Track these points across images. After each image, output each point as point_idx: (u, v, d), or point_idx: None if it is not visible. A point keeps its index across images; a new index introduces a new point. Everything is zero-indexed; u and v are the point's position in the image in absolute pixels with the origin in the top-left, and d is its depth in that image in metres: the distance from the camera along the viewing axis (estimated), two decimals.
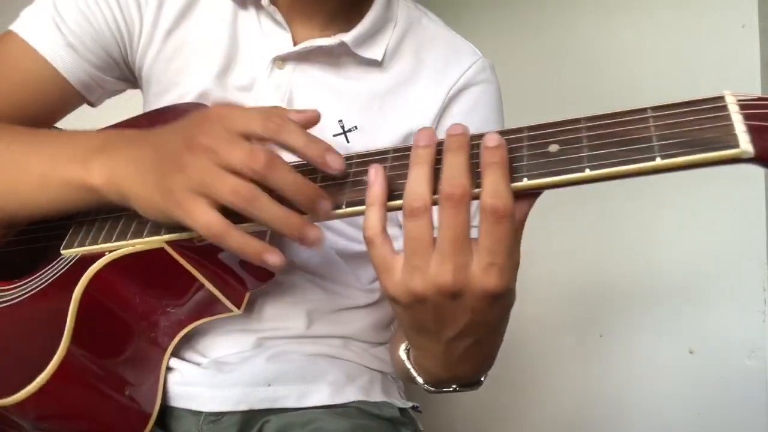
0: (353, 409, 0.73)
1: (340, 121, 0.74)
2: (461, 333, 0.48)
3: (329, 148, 0.49)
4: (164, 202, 0.50)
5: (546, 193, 0.46)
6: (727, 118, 0.40)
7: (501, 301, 0.45)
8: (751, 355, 1.28)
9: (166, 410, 0.69)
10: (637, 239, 1.41)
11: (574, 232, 1.45)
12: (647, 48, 1.45)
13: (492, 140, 0.43)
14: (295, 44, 0.73)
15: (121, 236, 0.59)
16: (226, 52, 0.73)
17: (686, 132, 0.40)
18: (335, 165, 0.49)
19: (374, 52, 0.74)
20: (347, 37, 0.72)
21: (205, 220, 0.47)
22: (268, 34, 0.73)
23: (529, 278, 1.00)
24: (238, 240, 0.48)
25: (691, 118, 0.41)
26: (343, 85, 0.74)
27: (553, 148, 0.44)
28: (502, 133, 0.46)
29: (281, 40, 0.73)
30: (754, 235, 1.30)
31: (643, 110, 0.43)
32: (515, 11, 1.69)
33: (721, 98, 0.42)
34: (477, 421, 1.51)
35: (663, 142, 0.40)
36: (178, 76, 0.74)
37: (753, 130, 0.39)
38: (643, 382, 1.38)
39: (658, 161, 0.40)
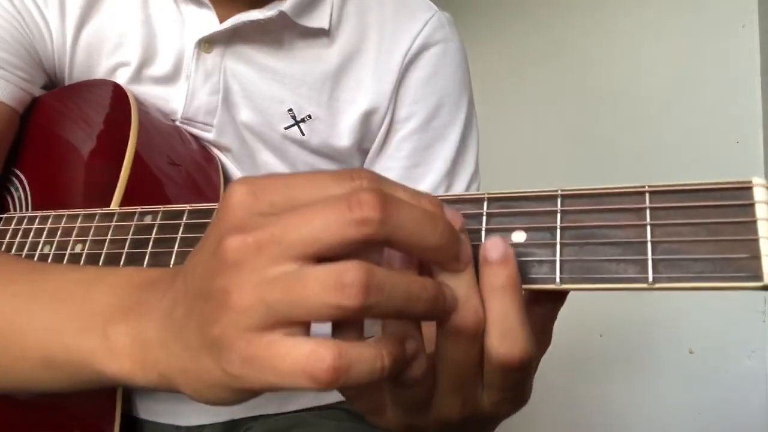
0: (340, 411, 0.69)
1: (290, 110, 0.64)
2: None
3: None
4: (217, 366, 0.29)
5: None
6: (751, 228, 0.28)
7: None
8: (751, 355, 1.28)
9: (145, 425, 0.64)
10: None
11: None
12: (647, 48, 1.46)
13: (495, 249, 0.30)
14: (221, 22, 0.62)
15: None
16: (141, 42, 0.62)
17: (691, 246, 0.28)
18: (457, 221, 0.31)
19: (319, 19, 0.63)
20: (285, 5, 0.61)
21: (300, 361, 0.26)
22: (188, 15, 0.63)
23: None
24: (367, 366, 0.27)
25: (700, 222, 0.29)
26: (288, 66, 0.64)
27: (519, 236, 0.32)
28: (453, 202, 0.34)
29: (204, 20, 0.62)
30: None
31: (640, 194, 0.30)
32: (515, 11, 1.70)
33: (747, 189, 0.28)
34: None
35: (659, 257, 0.29)
36: (94, 76, 0.65)
37: None
38: (643, 382, 1.38)
39: (650, 284, 0.28)
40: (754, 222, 0.27)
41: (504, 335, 0.30)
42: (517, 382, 0.33)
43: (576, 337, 1.45)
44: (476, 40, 1.70)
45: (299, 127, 0.64)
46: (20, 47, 0.61)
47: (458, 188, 0.68)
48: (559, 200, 0.32)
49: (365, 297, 0.26)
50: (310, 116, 0.64)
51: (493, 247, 0.30)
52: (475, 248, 0.31)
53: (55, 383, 0.40)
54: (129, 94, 0.60)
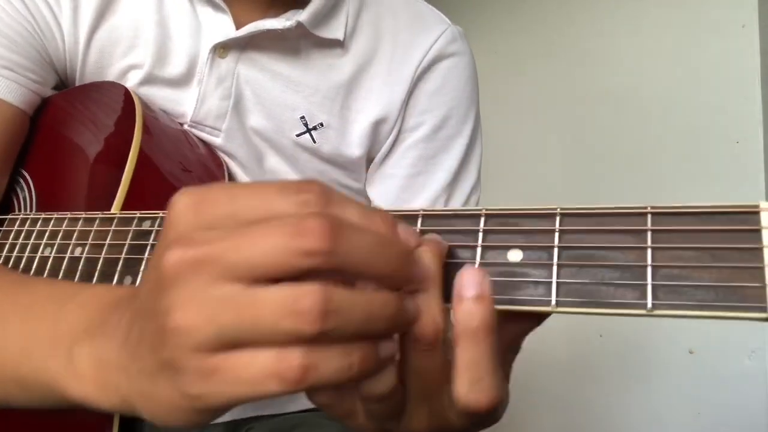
0: None
1: (302, 117, 0.64)
2: None
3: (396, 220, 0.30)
4: (174, 388, 0.28)
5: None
6: (758, 256, 0.26)
7: None
8: (751, 355, 1.28)
9: (145, 426, 0.61)
10: None
11: None
12: (647, 48, 1.45)
13: (470, 285, 0.29)
14: (237, 28, 0.62)
15: None
16: (155, 44, 0.62)
17: (693, 272, 0.27)
18: (412, 240, 0.30)
19: (335, 30, 0.64)
20: (303, 15, 0.60)
21: (268, 364, 0.26)
22: (204, 18, 0.62)
23: None
24: (336, 363, 0.27)
25: (703, 246, 0.27)
26: (302, 75, 0.64)
27: (515, 255, 0.31)
28: (444, 219, 0.33)
29: (221, 24, 0.62)
30: None
31: (642, 215, 0.29)
32: (514, 10, 1.69)
33: (754, 213, 0.27)
34: None
35: (659, 282, 0.27)
36: (106, 77, 0.65)
37: None
38: (643, 382, 1.38)
39: (649, 311, 0.27)
40: (761, 249, 0.26)
41: (473, 383, 0.29)
42: (484, 420, 0.31)
43: (576, 337, 1.46)
44: (475, 39, 1.70)
45: (311, 134, 0.65)
46: (31, 49, 0.61)
47: (458, 199, 0.69)
48: (557, 219, 0.30)
49: (323, 323, 0.25)
50: (322, 124, 0.65)
51: (468, 281, 0.29)
52: (456, 266, 0.30)
53: (32, 403, 0.39)
54: (135, 97, 0.60)
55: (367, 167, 0.69)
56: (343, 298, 0.26)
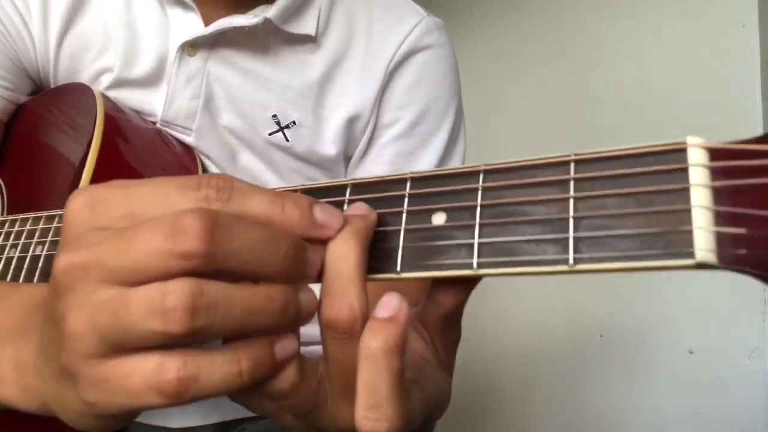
0: None
1: (275, 116, 0.63)
2: None
3: (312, 202, 0.29)
4: (75, 394, 0.27)
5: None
6: (684, 197, 0.24)
7: None
8: (751, 355, 1.27)
9: (134, 428, 0.63)
10: None
11: None
12: (647, 48, 1.46)
13: (386, 306, 0.27)
14: (207, 26, 0.60)
15: None
16: (124, 47, 0.61)
17: (617, 220, 0.25)
18: (332, 221, 0.29)
19: (305, 25, 0.62)
20: (271, 11, 0.59)
21: (146, 376, 0.25)
22: (172, 17, 0.61)
23: (529, 279, 1.00)
24: (221, 372, 0.26)
25: (628, 192, 0.25)
26: (273, 72, 0.63)
27: (439, 218, 0.29)
28: (372, 187, 0.32)
29: (189, 23, 0.61)
30: None
31: (565, 164, 0.27)
32: (514, 10, 1.70)
33: (681, 151, 0.24)
34: (475, 419, 1.51)
35: (581, 235, 0.25)
36: (78, 81, 0.64)
37: (723, 218, 0.23)
38: (643, 382, 1.37)
39: (571, 266, 0.25)
40: (687, 189, 0.23)
41: (370, 407, 0.27)
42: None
43: (576, 337, 1.45)
44: (475, 40, 1.71)
45: (284, 133, 0.63)
46: (3, 57, 0.61)
47: None
48: (481, 176, 0.29)
49: (192, 321, 0.24)
50: (294, 122, 0.63)
51: (385, 303, 0.27)
52: (384, 234, 0.29)
53: None
54: (98, 98, 0.60)
55: (346, 165, 0.68)
56: (219, 292, 0.25)
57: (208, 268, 0.24)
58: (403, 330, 0.26)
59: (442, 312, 0.32)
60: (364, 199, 0.31)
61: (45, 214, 0.50)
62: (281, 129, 0.63)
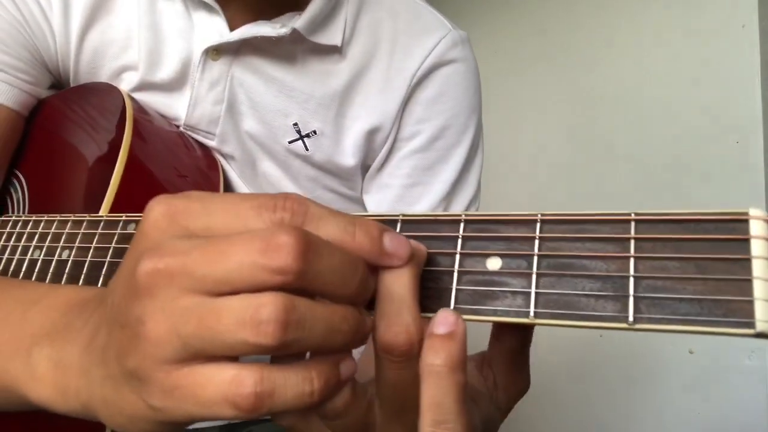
0: None
1: (296, 124, 0.62)
2: None
3: (383, 230, 0.29)
4: (139, 398, 0.27)
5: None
6: (746, 267, 0.24)
7: None
8: (751, 355, 1.28)
9: None
10: None
11: None
12: (647, 48, 1.45)
13: (443, 323, 0.28)
14: (232, 30, 0.60)
15: None
16: (147, 48, 0.61)
17: (677, 284, 0.25)
18: (401, 251, 0.29)
19: (332, 36, 0.61)
20: (299, 22, 0.58)
21: (222, 388, 0.25)
22: (198, 20, 0.61)
23: None
24: (295, 390, 0.26)
25: (689, 257, 0.25)
26: (296, 80, 0.62)
27: (494, 263, 0.30)
28: (424, 224, 0.32)
29: (214, 27, 0.60)
30: None
31: (625, 222, 0.27)
32: (514, 11, 1.69)
33: (743, 222, 0.25)
34: None
35: (642, 294, 0.26)
36: (99, 78, 0.64)
37: None
38: (643, 382, 1.38)
39: (630, 324, 0.26)
40: (749, 260, 0.24)
41: (438, 423, 0.27)
42: None
43: (576, 337, 1.46)
44: (475, 40, 1.69)
45: (303, 141, 0.63)
46: (23, 49, 0.61)
47: (456, 210, 0.67)
48: (538, 225, 0.29)
49: (283, 335, 0.24)
50: (315, 132, 0.63)
51: (441, 319, 0.28)
52: (434, 273, 0.30)
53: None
54: (127, 100, 0.60)
55: (363, 175, 0.67)
56: (306, 309, 0.25)
57: (297, 285, 0.25)
58: (463, 344, 0.27)
59: (507, 348, 0.33)
60: (415, 237, 0.31)
61: (72, 218, 0.50)
62: (301, 137, 0.63)
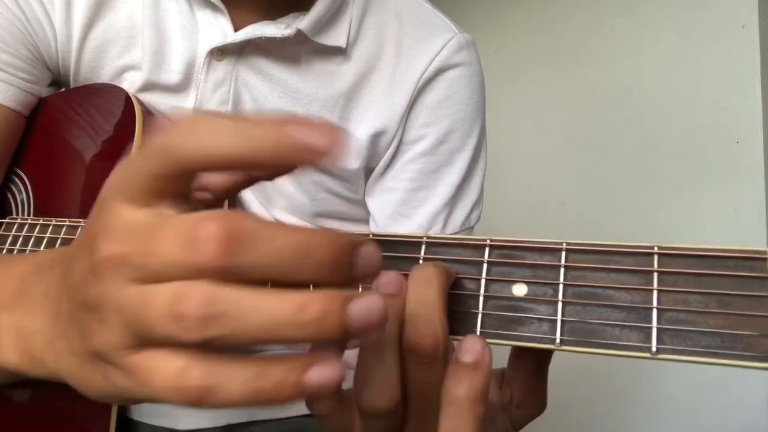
0: None
1: None
2: None
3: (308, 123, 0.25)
4: (104, 377, 0.27)
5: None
6: (764, 304, 0.26)
7: None
8: None
9: (140, 428, 0.63)
10: (637, 239, 1.41)
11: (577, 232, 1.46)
12: (647, 48, 1.45)
13: (470, 351, 0.28)
14: (236, 30, 0.59)
15: None
16: (151, 47, 0.60)
17: (699, 317, 0.27)
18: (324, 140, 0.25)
19: (336, 37, 0.61)
20: (303, 23, 0.58)
21: (170, 376, 0.24)
22: (202, 20, 0.60)
23: None
24: (242, 388, 0.24)
25: (710, 291, 0.27)
26: (300, 81, 0.62)
27: (519, 289, 0.31)
28: (454, 246, 0.32)
29: (218, 27, 0.60)
30: (755, 235, 1.30)
31: (648, 254, 0.29)
32: (514, 11, 1.69)
33: (762, 260, 0.26)
34: None
35: (665, 326, 0.27)
36: (100, 77, 0.63)
37: None
38: (644, 382, 1.39)
39: (653, 354, 0.27)
40: (767, 297, 0.26)
41: None
42: None
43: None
44: (476, 39, 1.69)
45: None
46: (23, 47, 0.60)
47: (459, 215, 0.67)
48: (563, 254, 0.30)
49: (204, 330, 0.23)
50: None
51: (470, 347, 0.28)
52: (460, 297, 0.30)
53: None
54: (135, 102, 0.59)
55: (367, 178, 0.67)
56: (234, 301, 0.23)
57: (225, 277, 0.23)
58: (487, 376, 0.28)
59: (526, 367, 0.34)
60: (441, 259, 0.32)
61: (82, 223, 0.49)
62: None
